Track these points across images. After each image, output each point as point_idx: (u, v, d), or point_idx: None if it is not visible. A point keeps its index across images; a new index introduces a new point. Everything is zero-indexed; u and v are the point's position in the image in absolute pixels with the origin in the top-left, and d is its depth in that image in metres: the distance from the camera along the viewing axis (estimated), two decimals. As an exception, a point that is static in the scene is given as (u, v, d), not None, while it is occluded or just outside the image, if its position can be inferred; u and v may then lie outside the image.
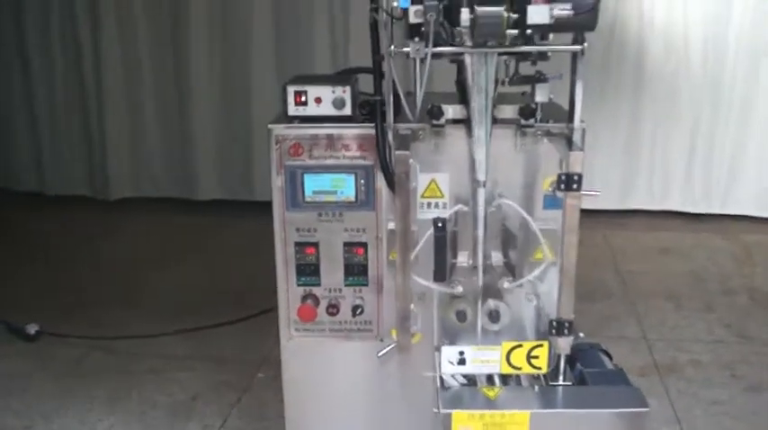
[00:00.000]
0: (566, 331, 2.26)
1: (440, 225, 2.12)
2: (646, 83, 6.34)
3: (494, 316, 2.40)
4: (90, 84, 6.98)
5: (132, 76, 6.90)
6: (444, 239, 2.14)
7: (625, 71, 6.35)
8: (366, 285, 2.52)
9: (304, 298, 2.53)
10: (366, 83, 2.47)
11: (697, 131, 6.36)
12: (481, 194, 2.26)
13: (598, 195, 2.29)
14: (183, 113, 6.85)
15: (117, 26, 6.79)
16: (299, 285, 2.53)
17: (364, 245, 2.48)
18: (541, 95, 2.28)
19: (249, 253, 4.48)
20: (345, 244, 2.49)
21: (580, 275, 4.86)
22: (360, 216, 2.46)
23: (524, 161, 2.39)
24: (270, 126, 2.44)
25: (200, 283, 5.23)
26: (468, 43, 2.07)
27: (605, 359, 2.57)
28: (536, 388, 2.35)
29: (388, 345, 2.46)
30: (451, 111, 2.29)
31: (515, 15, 1.90)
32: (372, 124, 2.34)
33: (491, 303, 2.39)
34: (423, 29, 2.03)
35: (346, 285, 2.53)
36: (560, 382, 2.37)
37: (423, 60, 2.05)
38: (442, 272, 2.16)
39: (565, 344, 2.28)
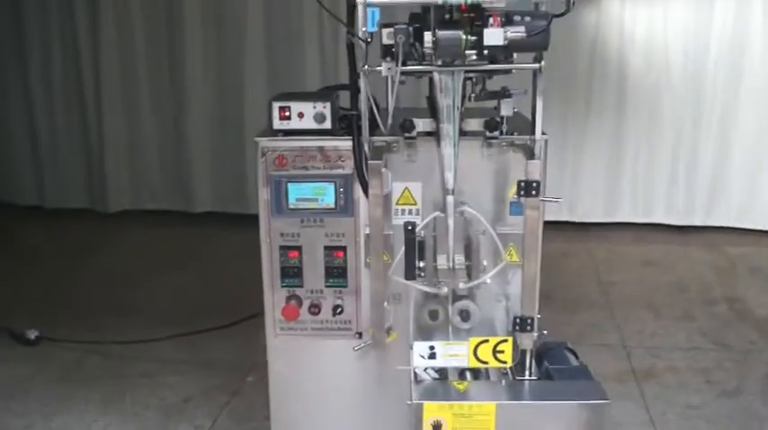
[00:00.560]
0: (528, 327, 2.45)
1: (410, 228, 2.33)
2: (628, 98, 6.56)
3: (464, 315, 2.60)
4: (89, 102, 7.24)
5: (130, 94, 7.17)
6: (414, 241, 2.34)
7: (608, 87, 6.58)
8: (345, 286, 2.72)
9: (288, 298, 2.74)
10: (347, 99, 2.68)
11: (679, 145, 6.58)
12: (450, 201, 2.46)
13: (560, 202, 2.50)
14: (179, 130, 7.12)
15: (117, 45, 7.05)
16: (283, 286, 2.74)
17: (344, 248, 2.69)
18: (506, 110, 2.50)
19: (240, 263, 4.66)
20: (326, 248, 2.69)
21: (563, 286, 5.10)
22: (339, 222, 2.67)
23: (492, 170, 2.60)
24: (256, 139, 2.66)
25: (193, 292, 5.44)
26: (438, 62, 2.29)
27: (571, 357, 2.76)
28: (503, 382, 2.54)
29: (365, 342, 2.66)
30: (422, 124, 2.50)
31: (473, 38, 2.12)
32: (350, 137, 2.55)
33: (462, 303, 2.59)
34: (393, 49, 2.24)
35: (327, 286, 2.73)
36: (526, 377, 2.56)
37: (394, 78, 2.26)
38: (412, 270, 2.36)
39: (528, 339, 2.48)
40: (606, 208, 6.80)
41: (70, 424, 3.87)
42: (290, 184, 2.65)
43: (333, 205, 2.65)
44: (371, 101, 2.46)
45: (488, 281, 2.54)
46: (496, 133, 2.51)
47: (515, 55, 2.38)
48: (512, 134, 2.55)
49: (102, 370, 4.39)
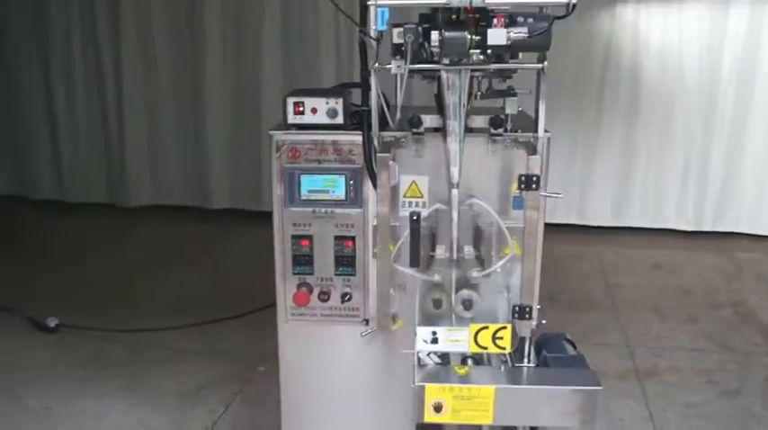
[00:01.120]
0: (527, 316, 2.57)
1: (415, 218, 2.45)
2: (641, 103, 6.65)
3: (467, 304, 2.71)
4: (110, 99, 7.44)
5: (151, 92, 7.37)
6: (418, 230, 2.46)
7: (620, 92, 6.66)
8: (354, 275, 2.84)
9: (299, 285, 2.86)
10: (359, 95, 2.80)
11: (691, 150, 6.65)
12: (455, 194, 2.58)
13: (561, 198, 2.61)
14: (198, 128, 7.31)
15: (137, 45, 7.26)
16: (294, 274, 2.86)
17: (353, 238, 2.81)
18: (510, 108, 2.62)
19: (253, 258, 4.80)
20: (336, 237, 2.81)
21: (570, 287, 5.23)
22: (349, 213, 2.79)
23: (496, 166, 2.71)
24: (271, 132, 2.79)
25: (207, 284, 5.61)
26: (445, 61, 2.41)
27: (569, 347, 2.87)
28: (502, 368, 2.66)
29: (372, 328, 2.78)
30: (429, 120, 2.62)
31: (478, 38, 2.24)
32: (361, 132, 2.68)
33: (464, 292, 2.70)
34: (403, 48, 2.37)
35: (336, 275, 2.84)
36: (525, 364, 2.67)
37: (403, 76, 2.39)
38: (416, 258, 2.48)
39: (526, 327, 2.59)
40: (616, 212, 6.89)
41: (89, 406, 4.03)
42: (302, 176, 2.77)
43: (343, 197, 2.77)
44: (381, 97, 2.58)
45: (498, 270, 2.65)
46: (501, 130, 2.62)
47: (521, 55, 2.51)
48: (516, 131, 2.67)
49: (119, 357, 4.56)
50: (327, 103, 2.72)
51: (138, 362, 4.49)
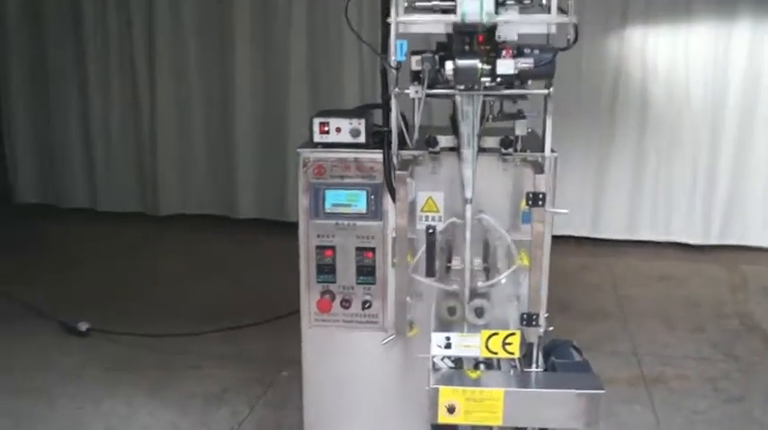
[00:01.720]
0: (534, 322, 2.75)
1: (431, 232, 2.64)
2: (649, 124, 6.84)
3: (479, 312, 2.88)
4: (144, 112, 7.71)
5: (183, 108, 7.63)
6: (434, 243, 2.65)
7: (630, 113, 6.85)
8: (374, 284, 3.03)
9: (322, 293, 3.05)
10: (380, 116, 3.00)
11: (697, 168, 6.83)
12: (469, 209, 2.77)
13: (566, 214, 2.79)
14: (227, 142, 7.56)
15: (171, 63, 7.53)
16: (318, 282, 3.05)
17: (373, 249, 3.00)
18: (520, 129, 2.80)
19: (278, 266, 5.00)
20: (357, 248, 3.01)
21: (581, 297, 5.42)
22: (370, 225, 2.98)
23: (507, 183, 2.90)
24: (299, 150, 2.99)
25: (233, 292, 5.80)
26: (460, 87, 2.61)
27: (575, 353, 3.04)
28: (512, 372, 2.83)
29: (391, 335, 2.97)
30: (445, 140, 2.82)
31: (488, 66, 2.44)
32: (381, 150, 2.87)
33: (477, 301, 2.87)
34: (421, 75, 2.57)
35: (357, 283, 3.04)
36: (533, 368, 2.85)
37: (420, 100, 2.59)
38: (432, 269, 2.67)
39: (534, 333, 2.77)
40: (627, 226, 7.05)
41: (118, 408, 4.21)
42: (327, 191, 2.97)
43: (364, 210, 2.97)
44: (401, 119, 2.78)
45: (503, 281, 2.83)
46: (511, 150, 2.81)
47: (530, 81, 2.70)
48: (525, 151, 2.85)
49: (147, 361, 4.72)
50: (351, 123, 2.92)
51: (165, 366, 4.65)
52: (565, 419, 2.70)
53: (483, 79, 2.45)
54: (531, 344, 2.83)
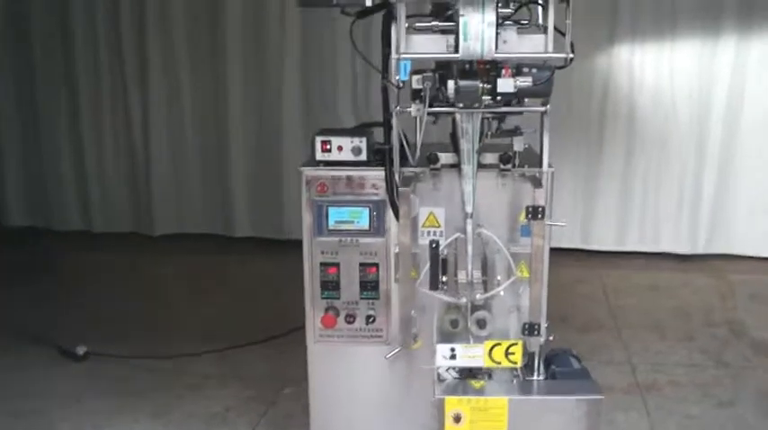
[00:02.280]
0: (536, 332, 2.84)
1: (434, 246, 2.74)
2: (637, 137, 6.99)
3: (481, 323, 2.97)
4: (136, 130, 7.74)
5: (176, 123, 7.66)
6: (437, 256, 2.74)
7: (619, 127, 7.00)
8: (378, 299, 3.11)
9: (327, 309, 3.12)
10: (381, 134, 3.09)
11: (684, 179, 6.98)
12: (470, 224, 2.86)
13: (564, 226, 2.90)
14: (222, 160, 7.61)
15: (163, 77, 7.57)
16: (322, 298, 3.12)
17: (376, 265, 3.08)
18: (518, 145, 2.91)
19: (276, 284, 5.09)
20: (361, 264, 3.08)
21: (575, 310, 5.51)
22: (373, 242, 3.06)
23: (506, 198, 3.00)
24: (301, 168, 3.08)
25: (230, 311, 5.81)
26: (459, 105, 2.71)
27: (574, 361, 3.14)
28: (514, 381, 2.93)
29: (396, 349, 3.05)
30: (445, 157, 2.92)
31: (488, 86, 2.54)
32: (383, 168, 2.96)
33: (479, 313, 2.96)
34: (422, 93, 2.67)
35: (361, 298, 3.11)
36: (534, 377, 2.95)
37: (421, 118, 2.69)
38: (436, 282, 2.76)
39: (535, 343, 2.86)
40: (617, 237, 7.18)
41: (121, 431, 4.22)
42: (330, 208, 3.05)
43: (367, 227, 3.05)
44: (402, 136, 2.88)
45: (502, 293, 2.92)
46: (509, 166, 2.91)
47: (527, 99, 2.82)
48: (523, 166, 2.95)
49: (147, 383, 4.68)
50: (352, 141, 3.01)
51: (164, 388, 4.63)
52: (566, 425, 2.81)
53: (483, 98, 2.55)
54: (532, 354, 2.93)
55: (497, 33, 2.54)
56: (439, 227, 3.02)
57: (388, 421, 3.21)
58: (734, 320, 5.71)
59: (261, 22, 7.32)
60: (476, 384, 2.87)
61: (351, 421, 3.24)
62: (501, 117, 2.92)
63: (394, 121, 2.85)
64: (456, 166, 2.88)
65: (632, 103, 6.96)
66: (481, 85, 2.54)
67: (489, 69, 2.57)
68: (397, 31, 2.65)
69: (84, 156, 7.91)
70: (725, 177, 6.94)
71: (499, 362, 2.83)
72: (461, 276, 2.89)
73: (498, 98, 2.58)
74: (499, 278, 2.92)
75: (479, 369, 2.91)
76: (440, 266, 2.74)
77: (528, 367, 2.95)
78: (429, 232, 3.02)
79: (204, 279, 6.63)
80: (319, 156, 3.05)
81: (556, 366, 3.03)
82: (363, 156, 3.03)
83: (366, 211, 3.05)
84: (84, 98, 7.79)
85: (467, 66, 2.59)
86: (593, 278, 6.62)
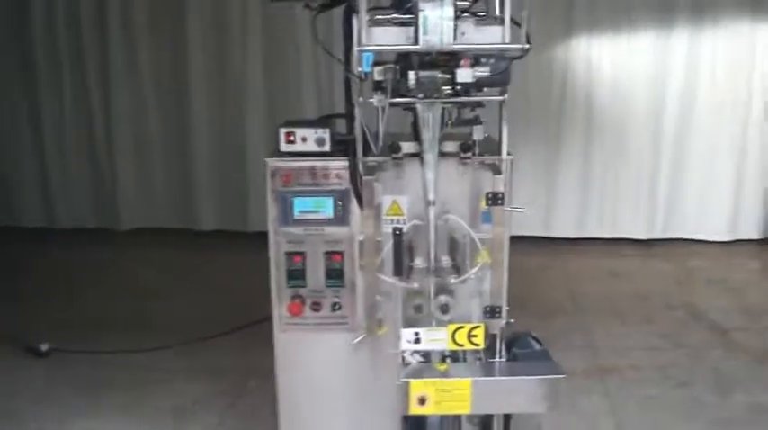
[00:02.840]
0: (497, 315, 2.95)
1: (397, 232, 2.83)
2: (596, 126, 7.20)
3: (444, 308, 3.05)
4: (99, 125, 7.74)
5: (138, 117, 7.69)
6: (401, 243, 2.83)
7: (577, 116, 7.21)
8: (343, 287, 3.17)
9: (293, 297, 3.18)
10: (344, 125, 3.17)
11: (641, 166, 7.22)
12: (431, 211, 2.95)
13: (523, 211, 3.01)
14: (185, 153, 7.67)
15: (126, 72, 7.58)
16: (288, 287, 3.18)
17: (341, 253, 3.14)
18: (477, 134, 2.99)
19: (242, 277, 5.14)
20: (326, 253, 3.15)
21: (538, 296, 5.66)
22: (337, 230, 3.13)
23: (467, 185, 3.08)
24: (266, 159, 3.13)
25: (198, 305, 5.87)
26: (420, 95, 2.80)
27: (535, 343, 3.24)
28: (477, 363, 3.03)
29: (361, 335, 3.13)
30: (407, 146, 2.99)
31: (448, 76, 2.64)
32: (346, 158, 3.04)
33: (442, 298, 3.04)
34: (383, 84, 2.75)
35: (327, 286, 3.17)
36: (496, 359, 3.05)
37: (383, 108, 2.78)
38: (399, 268, 2.85)
39: (497, 325, 2.97)
40: (577, 225, 7.38)
41: (86, 427, 4.25)
42: (294, 198, 3.10)
43: (332, 216, 3.11)
44: (364, 127, 2.96)
45: (473, 277, 3.03)
46: (469, 154, 3.00)
47: (485, 89, 2.91)
48: (483, 155, 3.05)
49: (113, 378, 4.74)
50: (316, 132, 3.07)
51: (130, 382, 4.68)
52: (528, 404, 2.92)
53: (443, 88, 2.64)
54: (494, 336, 3.04)
55: (455, 26, 2.63)
56: (402, 215, 3.09)
57: (355, 407, 3.28)
58: (691, 303, 5.93)
59: (223, 12, 7.36)
60: (440, 367, 2.96)
61: (318, 408, 3.31)
62: (460, 107, 3.00)
63: (357, 112, 2.91)
64: (418, 155, 2.95)
65: (590, 93, 7.18)
66: (441, 76, 2.63)
67: (449, 60, 2.66)
68: (359, 23, 2.72)
69: (45, 151, 7.88)
70: (680, 164, 7.22)
71: (462, 345, 2.92)
72: (419, 262, 2.97)
73: (458, 88, 2.66)
74: (466, 263, 3.02)
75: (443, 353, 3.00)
76: (403, 253, 2.83)
77: (490, 349, 3.04)
78: (393, 220, 3.09)
79: (171, 273, 6.68)
80: (284, 147, 3.11)
81: (517, 348, 3.13)
82: (327, 147, 3.08)
83: (330, 201, 3.11)
84: (46, 93, 7.76)
85: (427, 57, 2.67)
86: (555, 265, 6.79)
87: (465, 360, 3.05)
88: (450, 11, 2.60)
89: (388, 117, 2.81)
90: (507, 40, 2.71)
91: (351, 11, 2.76)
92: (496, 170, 2.90)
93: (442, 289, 3.01)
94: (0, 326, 5.31)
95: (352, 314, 3.21)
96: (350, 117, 2.99)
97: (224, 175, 7.61)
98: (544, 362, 3.04)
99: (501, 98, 2.88)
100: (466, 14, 2.72)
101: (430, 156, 2.88)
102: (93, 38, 7.54)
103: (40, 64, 7.69)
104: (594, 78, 7.16)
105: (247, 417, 4.31)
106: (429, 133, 2.86)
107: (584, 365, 4.89)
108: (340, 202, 3.11)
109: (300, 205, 3.13)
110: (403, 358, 2.98)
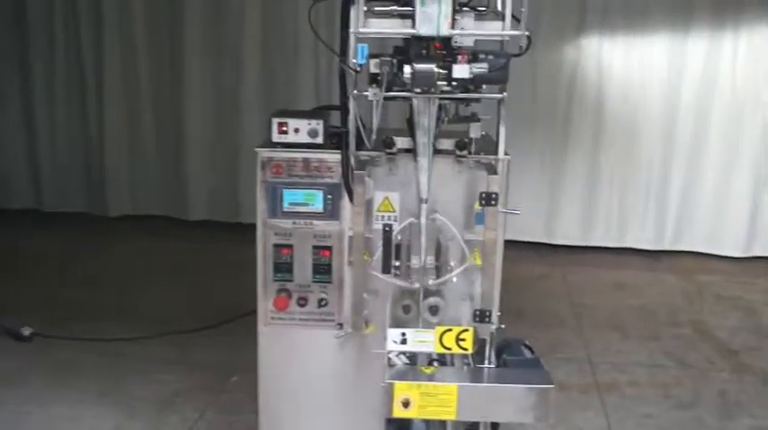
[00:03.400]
0: (487, 319, 3.02)
1: (387, 229, 2.90)
2: (605, 131, 7.28)
3: (433, 310, 3.14)
4: (91, 111, 7.87)
5: (132, 102, 7.82)
6: (390, 239, 2.90)
7: (586, 119, 7.29)
8: (330, 282, 3.27)
9: (279, 291, 3.27)
10: (338, 118, 3.25)
11: (651, 173, 7.30)
12: (424, 209, 3.03)
13: (519, 214, 3.07)
14: (179, 140, 7.80)
15: (120, 56, 7.72)
16: (275, 280, 3.28)
17: (330, 248, 3.24)
18: (474, 132, 3.08)
19: (230, 270, 5.20)
20: (314, 247, 3.24)
21: (535, 305, 5.71)
22: (327, 224, 3.22)
23: (461, 184, 3.16)
24: (257, 149, 3.22)
25: (184, 296, 5.99)
26: (417, 90, 2.86)
27: (526, 351, 3.31)
28: (465, 368, 3.10)
29: (345, 331, 3.21)
30: (401, 142, 3.07)
31: (444, 71, 2.71)
32: (339, 151, 3.12)
33: (431, 299, 3.13)
34: (379, 77, 2.82)
35: (314, 282, 3.27)
36: (485, 365, 3.12)
37: (378, 102, 2.85)
38: (388, 265, 2.93)
39: (486, 329, 3.04)
40: (582, 232, 7.46)
41: (65, 412, 4.36)
42: (284, 190, 3.19)
43: (321, 209, 3.20)
44: (359, 120, 3.04)
45: (454, 279, 3.09)
46: (465, 152, 3.08)
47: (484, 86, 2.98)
48: (479, 154, 3.13)
49: (95, 365, 4.87)
50: (309, 123, 3.17)
51: (113, 370, 4.81)
52: (516, 413, 2.98)
53: (439, 83, 2.71)
54: (483, 341, 3.10)
55: (454, 20, 2.70)
56: (394, 212, 3.18)
57: (338, 406, 3.38)
58: (699, 321, 5.99)
59: (220, 3, 7.46)
60: (426, 370, 3.03)
61: (300, 405, 3.40)
62: (457, 103, 3.07)
63: (351, 105, 2.99)
64: (412, 151, 3.03)
65: (600, 96, 7.26)
66: (437, 71, 2.70)
67: (446, 55, 2.73)
68: (356, 13, 2.80)
69: (35, 133, 8.03)
70: (693, 173, 7.28)
71: (449, 349, 2.99)
72: (414, 261, 3.04)
73: (454, 83, 2.73)
74: (452, 264, 3.10)
75: (430, 356, 3.06)
76: (392, 250, 2.90)
77: (479, 355, 3.11)
78: (384, 217, 3.18)
79: (158, 262, 6.80)
80: (276, 137, 3.20)
81: (507, 355, 3.19)
82: (320, 139, 3.18)
83: (321, 194, 3.21)
84: (38, 75, 7.90)
85: (424, 51, 2.74)
86: (556, 274, 6.86)
87: (453, 364, 3.12)
88: (447, 7, 2.67)
89: (388, 113, 2.88)
90: (507, 38, 2.78)
91: (349, 1, 2.82)
92: (492, 169, 2.97)
93: (431, 290, 3.09)
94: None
95: (338, 311, 3.30)
96: (344, 109, 3.08)
97: (217, 165, 7.77)
98: (534, 371, 3.09)
99: (500, 96, 2.95)
100: (465, 9, 2.79)
101: (424, 153, 2.95)
102: (88, 18, 7.65)
103: (32, 42, 7.79)
104: (605, 80, 7.25)
105: (229, 412, 4.41)
106: (424, 129, 2.93)
107: (582, 380, 4.95)
108: (330, 196, 3.20)
109: (290, 197, 3.22)
110: (389, 359, 3.04)
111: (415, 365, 3.07)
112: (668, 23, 7.07)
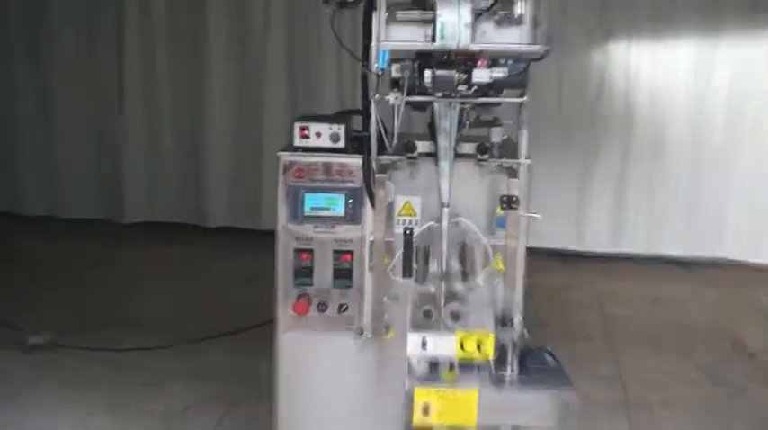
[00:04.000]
0: (509, 324, 3.25)
1: (408, 232, 3.15)
2: (634, 136, 7.53)
3: (455, 315, 3.36)
4: (109, 114, 8.23)
5: (151, 106, 8.17)
6: (411, 242, 3.14)
7: (614, 125, 7.54)
8: (351, 287, 3.47)
9: (299, 296, 3.49)
10: (359, 122, 3.48)
11: (680, 179, 7.55)
12: (445, 214, 3.27)
13: (539, 218, 3.29)
14: (199, 146, 8.14)
15: (140, 59, 8.08)
16: (295, 285, 3.49)
17: (351, 253, 3.45)
18: (496, 136, 3.31)
19: (250, 278, 5.46)
20: (335, 252, 3.45)
21: (562, 315, 5.90)
22: (348, 229, 3.43)
23: (483, 189, 3.38)
24: (279, 153, 3.47)
25: (201, 304, 6.25)
26: (438, 94, 3.11)
27: (549, 358, 3.53)
28: (486, 374, 3.30)
29: (364, 334, 3.44)
30: (422, 146, 3.30)
31: (464, 75, 2.96)
32: (360, 155, 3.35)
33: (453, 305, 3.33)
34: (400, 82, 3.08)
35: (334, 287, 3.48)
36: (507, 370, 3.34)
37: (399, 106, 3.10)
38: (409, 270, 3.16)
39: (508, 335, 3.26)
40: (611, 239, 7.71)
41: (75, 425, 4.58)
42: (306, 194, 3.42)
43: (343, 214, 3.42)
44: (380, 124, 3.28)
45: (482, 283, 3.32)
46: (486, 156, 3.32)
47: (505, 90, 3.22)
48: (501, 158, 3.35)
49: (107, 376, 5.11)
50: (331, 128, 3.41)
51: (125, 381, 5.04)
52: (537, 420, 3.18)
53: (459, 87, 2.96)
54: (505, 347, 3.33)
55: (474, 28, 2.94)
56: (415, 216, 3.39)
57: (357, 412, 3.56)
58: (737, 337, 6.10)
59: (245, 8, 7.79)
60: (447, 375, 3.25)
61: (318, 410, 3.58)
62: (480, 108, 3.30)
63: (372, 109, 3.22)
64: (433, 155, 3.25)
65: (628, 100, 7.56)
66: (457, 75, 2.95)
67: (466, 60, 2.98)
68: (377, 21, 3.05)
69: (52, 140, 8.39)
70: (724, 180, 7.52)
71: (470, 354, 3.21)
72: (434, 266, 3.27)
73: (474, 88, 2.98)
74: (477, 269, 3.31)
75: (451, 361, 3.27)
76: (413, 254, 3.13)
77: (501, 361, 3.31)
78: (405, 221, 3.39)
79: (174, 270, 7.07)
80: (297, 141, 3.44)
81: (530, 362, 3.41)
82: (341, 143, 3.41)
83: (342, 198, 3.43)
84: (56, 81, 8.25)
85: (444, 56, 2.99)
86: (584, 284, 7.03)
87: (477, 370, 3.31)
88: (467, 15, 2.91)
89: (411, 118, 3.12)
90: (526, 41, 3.01)
91: (371, 8, 3.08)
92: (512, 173, 3.19)
93: (454, 295, 3.31)
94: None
95: (358, 316, 3.50)
96: (366, 114, 3.30)
97: (238, 171, 8.09)
98: (556, 377, 3.29)
99: (520, 100, 3.17)
100: (487, 13, 3.03)
101: (445, 157, 3.19)
102: (109, 25, 7.96)
103: (50, 49, 8.13)
104: (632, 83, 7.51)
105: (243, 426, 4.61)
106: (445, 133, 3.16)
107: (610, 397, 5.08)
108: (351, 201, 3.42)
109: (311, 201, 3.45)
110: (409, 364, 3.26)
111: (435, 371, 3.28)
112: (697, 28, 7.31)
